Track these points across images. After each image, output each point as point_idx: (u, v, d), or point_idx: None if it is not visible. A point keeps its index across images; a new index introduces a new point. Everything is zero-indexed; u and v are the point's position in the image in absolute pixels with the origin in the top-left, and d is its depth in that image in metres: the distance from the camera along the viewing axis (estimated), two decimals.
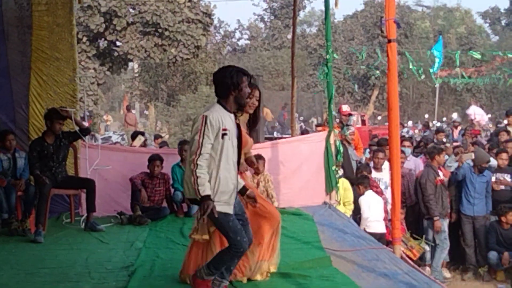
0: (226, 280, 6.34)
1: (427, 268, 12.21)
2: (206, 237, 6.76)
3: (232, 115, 6.31)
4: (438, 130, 22.60)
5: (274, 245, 7.27)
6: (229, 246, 6.20)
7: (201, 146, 5.99)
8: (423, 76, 24.54)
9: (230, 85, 6.23)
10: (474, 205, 13.06)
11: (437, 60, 29.11)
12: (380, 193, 12.32)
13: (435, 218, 12.44)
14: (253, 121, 7.08)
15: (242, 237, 6.21)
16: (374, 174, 12.56)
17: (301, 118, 43.25)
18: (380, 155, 12.80)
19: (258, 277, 7.13)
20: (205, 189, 5.97)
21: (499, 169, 13.51)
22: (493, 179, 13.36)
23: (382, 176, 12.55)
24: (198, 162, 5.96)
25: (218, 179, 6.13)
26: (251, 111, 6.68)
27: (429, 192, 12.39)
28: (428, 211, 12.45)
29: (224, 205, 6.13)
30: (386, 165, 12.64)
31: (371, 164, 13.16)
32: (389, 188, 11.77)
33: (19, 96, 11.73)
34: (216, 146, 6.13)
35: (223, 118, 6.12)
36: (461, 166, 13.41)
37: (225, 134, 6.08)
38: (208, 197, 5.96)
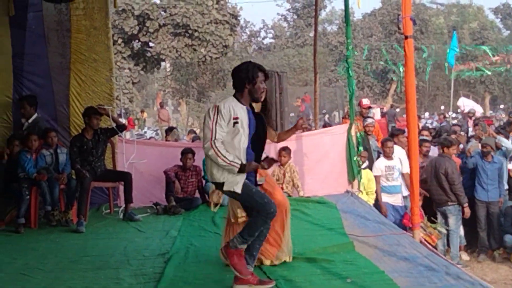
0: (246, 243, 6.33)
1: (463, 254, 12.14)
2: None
3: (245, 107, 6.31)
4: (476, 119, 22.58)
5: (280, 234, 7.17)
6: (258, 212, 6.20)
7: (215, 132, 6.04)
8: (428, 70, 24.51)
9: (245, 79, 6.29)
10: (488, 191, 12.95)
11: (453, 54, 28.99)
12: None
13: (465, 205, 12.35)
14: (264, 107, 7.02)
15: (269, 199, 6.25)
16: (386, 163, 12.46)
17: (324, 111, 43.14)
18: (389, 143, 12.65)
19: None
20: (236, 160, 6.07)
21: None
22: (510, 166, 13.26)
23: (394, 163, 12.46)
24: (216, 144, 6.01)
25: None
26: (262, 98, 6.62)
27: (457, 181, 12.29)
28: (458, 199, 12.30)
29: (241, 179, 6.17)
30: (397, 152, 12.62)
31: (382, 153, 13.04)
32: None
33: (60, 96, 11.79)
34: (228, 132, 6.17)
35: (234, 108, 6.17)
36: (470, 155, 13.35)
37: (236, 122, 6.11)
38: (244, 164, 6.08)
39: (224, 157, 6.03)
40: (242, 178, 6.18)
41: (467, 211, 12.38)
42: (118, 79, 30.02)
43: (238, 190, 6.17)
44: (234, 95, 6.37)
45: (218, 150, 5.99)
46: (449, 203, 12.41)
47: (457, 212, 12.39)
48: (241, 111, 6.22)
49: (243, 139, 6.20)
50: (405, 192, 12.26)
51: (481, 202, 13.02)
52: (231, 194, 6.38)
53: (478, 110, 36.53)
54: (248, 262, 6.34)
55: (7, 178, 10.25)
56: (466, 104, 36.06)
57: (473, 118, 26.70)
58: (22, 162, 10.14)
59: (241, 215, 7.01)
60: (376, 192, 12.35)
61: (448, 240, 12.69)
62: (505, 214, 12.92)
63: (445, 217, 12.49)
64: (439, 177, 12.30)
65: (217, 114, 6.10)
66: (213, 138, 6.03)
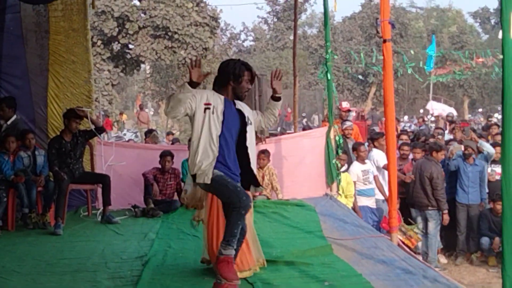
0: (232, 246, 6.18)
1: (419, 257, 12.18)
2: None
3: (222, 97, 6.28)
4: (451, 122, 22.69)
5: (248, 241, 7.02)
6: (233, 206, 6.05)
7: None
8: (416, 75, 24.58)
9: (231, 75, 6.25)
10: (469, 194, 13.04)
11: (431, 59, 29.17)
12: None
13: (445, 212, 12.42)
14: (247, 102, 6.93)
15: (243, 193, 6.12)
16: (362, 167, 12.51)
17: (303, 115, 43.28)
18: (362, 148, 12.78)
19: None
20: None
21: (494, 161, 13.53)
22: (489, 170, 13.36)
23: (369, 167, 12.54)
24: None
25: (198, 150, 6.15)
26: (244, 98, 6.60)
27: (440, 187, 12.35)
28: (438, 204, 12.35)
29: (216, 170, 6.14)
30: (377, 155, 12.72)
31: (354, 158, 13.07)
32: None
33: (38, 97, 11.76)
34: (198, 119, 6.15)
35: (208, 95, 6.19)
36: (452, 157, 13.42)
37: (207, 108, 6.10)
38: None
39: (172, 95, 6.14)
40: (210, 168, 6.12)
41: (446, 217, 12.46)
42: (97, 81, 30.02)
43: (208, 180, 6.12)
44: (213, 89, 6.37)
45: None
46: (429, 208, 12.48)
47: (437, 217, 12.47)
48: (217, 100, 6.21)
49: (213, 127, 6.14)
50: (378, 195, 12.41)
51: (462, 205, 13.12)
52: (206, 187, 6.30)
53: (449, 112, 36.74)
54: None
55: None
56: (435, 107, 36.28)
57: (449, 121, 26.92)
58: None
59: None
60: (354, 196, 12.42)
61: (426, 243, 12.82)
62: (481, 216, 13.01)
63: (426, 220, 12.57)
64: (423, 180, 12.36)
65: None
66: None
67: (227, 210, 6.29)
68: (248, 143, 6.45)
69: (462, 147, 13.73)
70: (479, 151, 13.87)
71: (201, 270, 7.07)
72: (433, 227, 12.47)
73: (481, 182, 13.18)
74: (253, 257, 7.07)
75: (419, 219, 13.12)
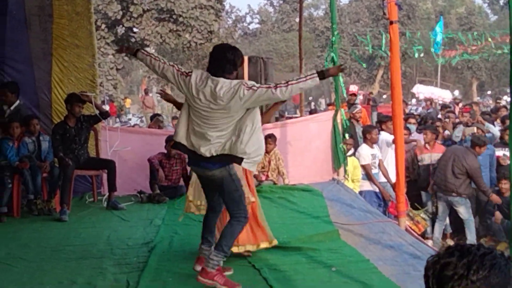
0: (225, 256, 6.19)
1: (430, 241, 12.18)
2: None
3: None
4: (443, 106, 22.56)
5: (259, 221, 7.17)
6: (236, 216, 6.07)
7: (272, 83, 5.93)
8: (422, 55, 24.51)
9: (237, 65, 6.09)
10: None
11: (438, 40, 29.04)
12: None
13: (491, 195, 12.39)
14: None
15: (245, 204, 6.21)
16: (371, 151, 12.50)
17: (310, 98, 43.27)
18: (374, 131, 12.71)
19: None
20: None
21: (503, 144, 13.35)
22: (501, 154, 13.29)
23: (376, 151, 12.53)
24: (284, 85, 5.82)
25: (250, 141, 5.90)
26: None
27: (481, 178, 12.35)
28: (484, 193, 12.30)
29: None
30: (385, 139, 12.71)
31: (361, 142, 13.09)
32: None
33: (41, 83, 11.77)
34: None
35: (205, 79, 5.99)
36: (464, 139, 13.40)
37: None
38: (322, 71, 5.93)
39: (299, 79, 5.88)
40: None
41: (495, 197, 12.33)
42: (101, 65, 30.05)
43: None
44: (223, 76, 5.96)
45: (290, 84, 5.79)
46: (454, 194, 12.42)
47: (465, 202, 12.41)
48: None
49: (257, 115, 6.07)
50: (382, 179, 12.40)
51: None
52: (225, 178, 6.03)
53: (444, 96, 36.63)
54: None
55: None
56: (420, 91, 36.22)
57: (460, 104, 26.80)
58: (3, 150, 10.13)
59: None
60: (371, 179, 12.38)
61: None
62: (491, 200, 12.99)
63: (449, 204, 12.53)
64: (459, 167, 12.25)
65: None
66: (276, 86, 5.78)
67: (218, 206, 6.37)
68: None
69: (475, 129, 13.73)
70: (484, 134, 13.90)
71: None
72: (466, 211, 12.36)
73: (490, 167, 13.12)
74: (267, 234, 7.14)
75: (429, 204, 13.15)
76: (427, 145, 13.34)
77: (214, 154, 5.80)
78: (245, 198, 6.23)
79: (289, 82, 5.72)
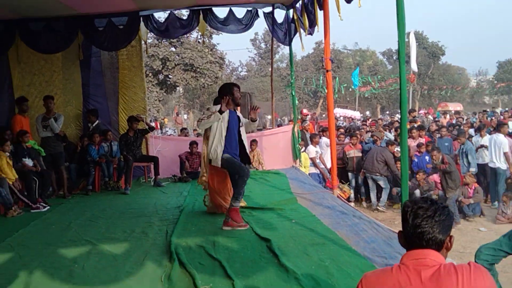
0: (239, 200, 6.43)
1: (352, 203, 12.15)
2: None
3: (227, 110, 6.37)
4: (362, 121, 22.56)
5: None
6: (239, 175, 6.26)
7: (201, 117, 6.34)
8: (343, 91, 24.71)
9: (227, 92, 6.35)
10: None
11: (356, 82, 29.23)
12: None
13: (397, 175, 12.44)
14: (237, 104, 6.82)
15: (245, 167, 6.37)
16: (315, 149, 12.58)
17: (277, 118, 43.34)
18: (317, 137, 12.89)
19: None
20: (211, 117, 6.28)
21: (397, 143, 13.17)
22: (396, 149, 13.14)
23: (318, 149, 12.58)
24: (200, 122, 6.38)
25: (213, 145, 6.34)
26: (240, 101, 6.70)
27: (393, 165, 12.50)
28: (395, 173, 12.36)
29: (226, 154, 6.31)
30: (325, 141, 12.77)
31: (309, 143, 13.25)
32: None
33: (112, 109, 11.73)
34: (213, 126, 6.31)
35: (217, 109, 6.28)
36: (365, 141, 13.85)
37: (219, 119, 6.25)
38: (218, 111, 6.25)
39: (201, 121, 6.35)
40: (219, 156, 6.34)
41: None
42: (149, 98, 29.99)
43: (219, 164, 6.38)
44: (220, 103, 6.39)
45: (200, 121, 6.35)
46: (378, 174, 12.57)
47: (383, 178, 12.63)
48: (226, 113, 6.32)
49: (222, 130, 6.31)
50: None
51: (368, 171, 13.17)
52: (223, 164, 6.38)
53: (355, 115, 36.77)
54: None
55: (80, 161, 10.24)
56: (338, 112, 36.02)
57: (369, 120, 26.83)
58: (89, 151, 10.14)
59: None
60: (315, 166, 12.42)
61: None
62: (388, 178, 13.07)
63: (374, 180, 12.80)
64: (380, 158, 12.49)
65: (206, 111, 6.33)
66: (199, 120, 6.39)
67: (234, 178, 6.36)
68: (242, 137, 6.63)
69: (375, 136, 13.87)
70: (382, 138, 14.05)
71: (216, 215, 7.11)
72: (383, 183, 12.61)
73: (367, 155, 13.19)
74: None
75: (353, 180, 13.20)
76: (351, 145, 13.40)
77: None
78: (240, 164, 6.41)
79: (204, 119, 6.32)
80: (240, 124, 6.66)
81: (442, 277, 2.07)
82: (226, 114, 6.30)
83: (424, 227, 2.17)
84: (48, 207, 8.35)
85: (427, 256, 2.16)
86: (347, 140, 14.28)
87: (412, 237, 2.20)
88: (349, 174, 13.48)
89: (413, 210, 2.23)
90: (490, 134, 13.21)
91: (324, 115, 43.03)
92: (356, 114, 38.44)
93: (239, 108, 7.11)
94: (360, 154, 13.38)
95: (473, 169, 12.32)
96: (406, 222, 2.25)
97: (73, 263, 5.14)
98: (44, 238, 6.30)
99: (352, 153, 13.33)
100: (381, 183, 12.62)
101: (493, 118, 20.12)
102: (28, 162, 8.76)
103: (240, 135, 6.60)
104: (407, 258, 2.20)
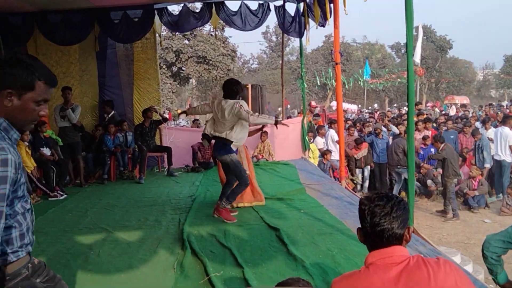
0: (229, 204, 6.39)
1: (360, 193, 12.12)
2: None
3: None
4: (370, 114, 22.46)
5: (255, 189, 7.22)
6: (239, 182, 6.23)
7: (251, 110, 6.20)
8: (351, 84, 24.68)
9: (239, 89, 6.21)
10: (380, 157, 13.02)
11: (366, 74, 29.15)
12: None
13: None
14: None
15: (246, 176, 6.30)
16: (322, 140, 12.61)
17: (287, 108, 43.29)
18: (323, 129, 13.01)
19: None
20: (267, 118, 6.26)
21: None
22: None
23: (325, 140, 12.58)
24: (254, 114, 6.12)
25: (240, 135, 6.20)
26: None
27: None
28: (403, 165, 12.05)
29: (233, 154, 6.24)
30: (332, 133, 12.77)
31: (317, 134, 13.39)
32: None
33: (127, 100, 11.75)
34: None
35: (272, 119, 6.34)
36: (366, 135, 13.92)
37: None
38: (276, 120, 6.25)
39: (263, 117, 6.23)
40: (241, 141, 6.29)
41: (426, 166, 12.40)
42: (163, 89, 30.02)
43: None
44: (232, 98, 6.14)
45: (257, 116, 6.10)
46: (399, 167, 12.26)
47: (405, 170, 12.15)
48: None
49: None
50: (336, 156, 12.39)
51: (375, 163, 13.16)
52: (228, 162, 6.23)
53: (352, 108, 36.59)
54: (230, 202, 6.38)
55: (96, 151, 10.27)
56: (333, 104, 35.90)
57: (378, 112, 26.71)
58: (105, 141, 10.18)
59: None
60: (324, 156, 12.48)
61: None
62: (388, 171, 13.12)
63: (398, 173, 12.51)
64: (399, 150, 12.18)
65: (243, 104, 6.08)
66: (252, 113, 6.04)
67: (231, 181, 6.43)
68: None
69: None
70: (389, 130, 13.95)
71: None
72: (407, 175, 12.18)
73: (387, 149, 13.09)
74: (261, 196, 7.18)
75: (360, 175, 13.14)
76: (356, 148, 13.19)
77: (222, 136, 6.14)
78: (244, 171, 6.29)
79: (259, 115, 6.11)
80: None
81: (412, 271, 2.02)
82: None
83: (383, 224, 2.11)
84: (65, 195, 8.42)
85: (393, 253, 2.10)
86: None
87: (372, 236, 2.14)
88: (357, 170, 13.42)
89: (370, 209, 2.16)
90: (496, 127, 13.10)
91: (334, 108, 42.96)
92: (353, 107, 38.37)
93: (250, 100, 7.09)
94: (367, 152, 13.28)
95: (488, 165, 12.20)
96: (364, 221, 2.18)
97: (89, 249, 5.19)
98: (61, 225, 6.37)
99: (360, 155, 13.20)
100: (404, 175, 12.25)
101: (499, 112, 19.93)
102: (46, 151, 8.81)
103: None
104: (374, 258, 2.13)
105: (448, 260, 2.13)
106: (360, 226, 2.24)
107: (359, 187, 13.11)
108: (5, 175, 1.90)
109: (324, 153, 12.49)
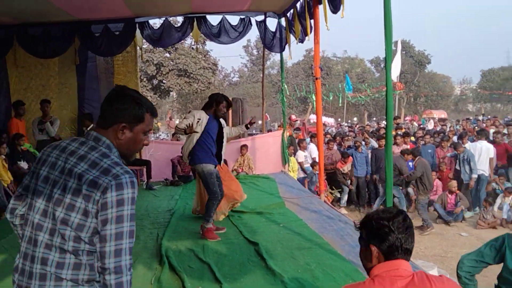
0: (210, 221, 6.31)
1: (342, 209, 12.15)
2: None
3: (208, 116, 6.31)
4: (349, 127, 22.58)
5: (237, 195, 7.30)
6: (211, 198, 6.23)
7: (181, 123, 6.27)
8: (331, 98, 24.88)
9: (214, 102, 6.34)
10: (358, 170, 13.17)
11: (347, 88, 29.38)
12: None
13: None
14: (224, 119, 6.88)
15: (217, 189, 6.28)
16: (303, 153, 12.66)
17: (267, 122, 43.43)
18: (304, 143, 13.08)
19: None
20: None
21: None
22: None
23: (306, 154, 12.64)
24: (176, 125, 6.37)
25: (195, 146, 6.26)
26: (222, 117, 6.68)
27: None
28: (407, 175, 11.79)
29: (208, 165, 6.21)
30: (311, 148, 12.82)
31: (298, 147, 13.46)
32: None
33: None
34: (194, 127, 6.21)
35: (200, 114, 6.27)
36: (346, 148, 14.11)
37: (198, 121, 6.19)
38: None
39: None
40: (186, 153, 6.39)
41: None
42: None
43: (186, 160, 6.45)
44: (203, 109, 6.40)
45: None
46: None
47: (396, 187, 11.77)
48: (203, 116, 6.27)
49: (199, 131, 6.22)
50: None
51: (355, 177, 13.22)
52: (199, 174, 6.39)
53: (329, 121, 36.88)
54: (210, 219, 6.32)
55: None
56: (311, 117, 36.14)
57: (358, 125, 26.87)
58: None
59: None
60: (304, 170, 12.52)
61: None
62: (368, 183, 13.26)
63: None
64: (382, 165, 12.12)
65: (188, 113, 6.36)
66: (178, 125, 6.34)
67: (208, 195, 6.38)
68: (223, 140, 6.60)
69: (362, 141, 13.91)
70: (367, 144, 14.06)
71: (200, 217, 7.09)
72: (396, 193, 11.79)
73: (366, 163, 13.19)
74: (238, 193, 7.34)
75: (346, 188, 13.13)
76: (342, 162, 13.21)
77: None
78: (214, 185, 6.27)
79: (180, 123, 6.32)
80: (223, 128, 6.63)
81: (417, 286, 2.04)
82: (205, 118, 6.28)
83: (407, 239, 2.12)
84: None
85: (399, 266, 2.10)
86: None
87: (394, 251, 2.12)
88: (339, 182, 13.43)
89: (394, 225, 2.13)
90: (473, 141, 13.27)
91: (312, 121, 43.24)
92: (331, 121, 38.65)
93: (230, 113, 7.17)
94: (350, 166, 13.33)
95: (475, 175, 12.10)
96: (387, 236, 2.13)
97: None
98: None
99: (346, 169, 13.24)
100: (395, 192, 11.79)
101: (476, 126, 20.23)
102: (23, 165, 8.70)
103: (221, 139, 6.60)
104: (380, 270, 2.12)
105: (450, 278, 2.15)
106: (365, 246, 2.22)
107: (344, 200, 13.15)
108: None
109: (313, 165, 12.57)
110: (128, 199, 2.08)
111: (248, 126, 7.12)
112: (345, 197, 13.23)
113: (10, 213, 2.31)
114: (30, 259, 2.04)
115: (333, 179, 13.21)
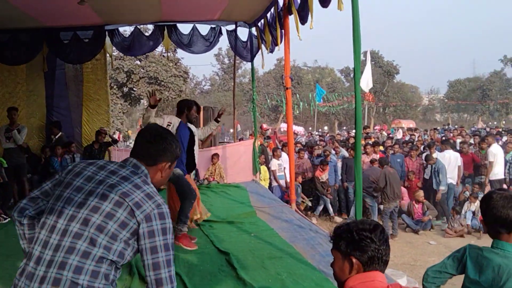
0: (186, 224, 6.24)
1: (314, 219, 12.20)
2: None
3: (180, 120, 6.33)
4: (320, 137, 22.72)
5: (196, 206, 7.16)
6: (186, 198, 6.14)
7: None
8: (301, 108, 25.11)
9: (185, 107, 6.45)
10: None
11: (317, 98, 29.63)
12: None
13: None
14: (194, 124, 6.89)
15: (191, 188, 6.25)
16: (277, 162, 12.74)
17: (238, 130, 43.50)
18: (278, 151, 13.09)
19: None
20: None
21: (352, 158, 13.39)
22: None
23: (281, 162, 12.70)
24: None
25: None
26: (193, 121, 6.69)
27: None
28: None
29: (176, 169, 6.11)
30: (284, 156, 12.85)
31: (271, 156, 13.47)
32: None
33: (75, 122, 11.63)
34: None
35: (170, 119, 6.32)
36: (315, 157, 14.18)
37: (168, 125, 6.20)
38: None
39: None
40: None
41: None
42: (113, 110, 29.64)
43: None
44: (176, 115, 6.48)
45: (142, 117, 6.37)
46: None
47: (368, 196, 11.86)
48: (175, 120, 6.29)
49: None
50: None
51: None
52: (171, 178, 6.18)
53: (299, 130, 37.23)
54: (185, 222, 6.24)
55: (42, 173, 9.98)
56: (282, 126, 36.50)
57: (328, 134, 27.06)
58: (52, 163, 9.93)
59: None
60: (275, 179, 12.55)
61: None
62: (339, 191, 13.36)
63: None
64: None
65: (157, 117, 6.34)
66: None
67: (180, 197, 6.27)
68: (194, 148, 6.57)
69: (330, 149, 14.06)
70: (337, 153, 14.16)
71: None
72: (370, 201, 11.84)
73: (335, 172, 13.30)
74: (202, 210, 7.29)
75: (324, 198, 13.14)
76: (321, 170, 13.17)
77: None
78: (188, 186, 6.22)
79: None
80: (194, 135, 6.61)
81: None
82: (176, 123, 6.28)
83: (386, 251, 2.10)
84: (9, 218, 8.10)
85: (375, 278, 2.08)
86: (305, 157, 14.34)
87: (373, 263, 2.09)
88: (317, 192, 13.42)
89: (374, 236, 2.09)
90: (440, 151, 13.46)
91: (283, 130, 43.49)
92: (301, 129, 38.99)
93: (201, 122, 7.21)
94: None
95: (443, 187, 12.09)
96: (369, 247, 2.08)
97: None
98: (3, 249, 6.11)
99: (324, 177, 13.22)
100: (368, 201, 11.84)
101: (443, 136, 20.61)
102: None
103: (192, 147, 6.58)
104: (355, 282, 2.08)
105: None
106: (347, 257, 2.13)
107: (319, 210, 13.16)
108: None
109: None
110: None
111: (218, 119, 7.26)
112: (321, 207, 13.16)
113: (19, 212, 2.32)
114: (46, 264, 2.05)
115: (306, 187, 13.26)
